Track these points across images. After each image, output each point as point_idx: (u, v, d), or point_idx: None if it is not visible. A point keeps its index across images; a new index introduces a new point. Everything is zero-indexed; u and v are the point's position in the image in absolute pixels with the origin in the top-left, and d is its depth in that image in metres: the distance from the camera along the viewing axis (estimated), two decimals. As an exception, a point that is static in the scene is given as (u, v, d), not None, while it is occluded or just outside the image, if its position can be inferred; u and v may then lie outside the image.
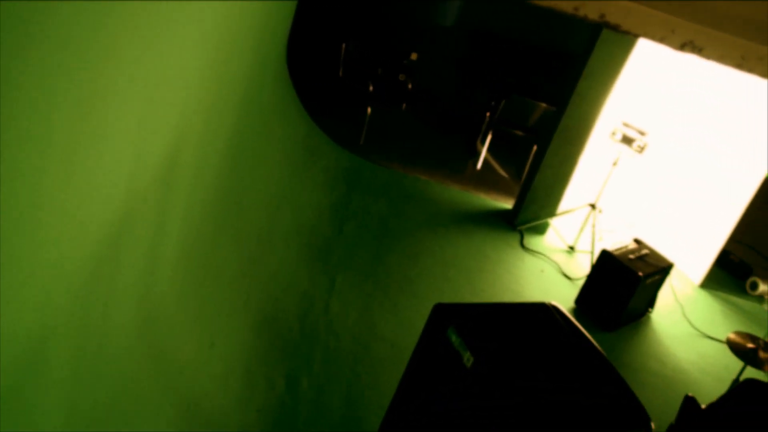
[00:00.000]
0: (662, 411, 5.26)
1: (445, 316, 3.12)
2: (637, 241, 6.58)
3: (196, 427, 3.81)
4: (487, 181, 8.08)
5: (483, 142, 8.26)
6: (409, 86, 8.29)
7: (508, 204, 7.59)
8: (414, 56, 8.31)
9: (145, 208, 2.94)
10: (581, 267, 6.97)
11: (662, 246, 7.02)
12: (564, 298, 6.46)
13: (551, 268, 6.85)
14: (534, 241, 7.17)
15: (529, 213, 7.23)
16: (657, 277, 6.28)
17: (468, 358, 2.93)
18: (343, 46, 7.79)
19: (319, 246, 5.95)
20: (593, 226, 7.11)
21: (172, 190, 3.35)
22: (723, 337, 5.56)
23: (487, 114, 8.26)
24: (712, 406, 4.25)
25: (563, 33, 8.85)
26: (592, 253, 7.02)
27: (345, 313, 5.31)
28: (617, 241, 6.62)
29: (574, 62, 6.75)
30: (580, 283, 6.53)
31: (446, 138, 8.75)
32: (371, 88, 7.83)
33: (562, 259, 7.04)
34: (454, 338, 3.00)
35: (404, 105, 8.62)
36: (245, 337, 4.67)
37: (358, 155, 7.48)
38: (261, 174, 5.65)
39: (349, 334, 5.14)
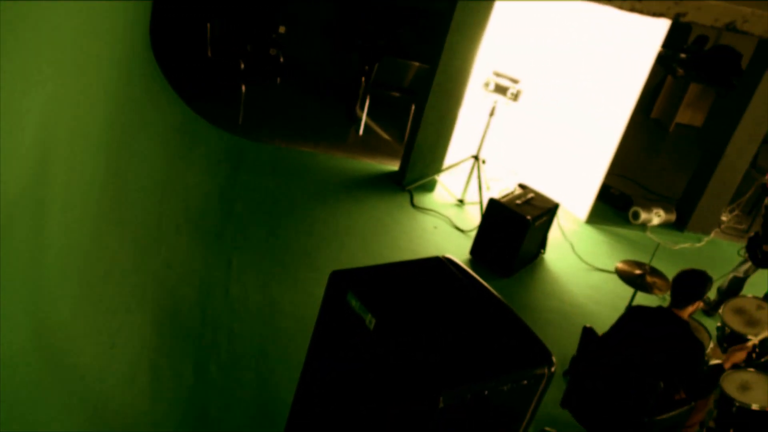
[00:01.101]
0: (564, 345, 5.47)
1: (343, 282, 3.13)
2: (522, 186, 6.76)
3: (108, 428, 3.72)
4: (371, 145, 8.11)
5: (362, 108, 8.28)
6: (281, 59, 8.20)
7: (394, 166, 7.65)
8: (282, 29, 8.21)
9: (18, 212, 2.81)
10: (472, 218, 7.12)
11: (547, 188, 7.24)
12: (459, 250, 6.59)
13: (443, 223, 6.97)
14: (424, 199, 7.27)
15: (416, 172, 7.31)
16: (544, 218, 6.49)
17: (370, 320, 2.96)
18: (209, 25, 7.61)
19: (211, 230, 5.85)
20: (479, 177, 7.26)
21: (47, 188, 3.21)
22: (612, 268, 5.81)
23: (363, 79, 8.27)
24: (606, 333, 4.45)
25: (428, -9, 8.93)
26: (480, 203, 7.18)
27: (245, 295, 5.26)
28: (503, 188, 6.79)
29: (441, 19, 6.82)
30: (473, 234, 6.67)
31: (325, 108, 8.72)
32: (242, 65, 7.71)
33: (453, 213, 7.17)
34: (354, 303, 3.02)
35: (278, 79, 8.53)
36: (147, 332, 4.57)
37: (239, 135, 7.37)
38: (141, 165, 5.50)
39: (252, 314, 5.10)
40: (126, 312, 4.50)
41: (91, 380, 3.79)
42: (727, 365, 4.39)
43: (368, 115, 8.34)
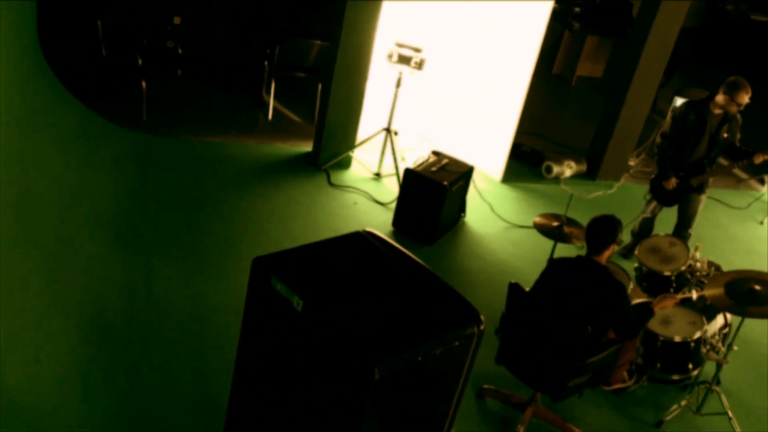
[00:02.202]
0: (493, 303, 5.58)
1: (266, 267, 3.12)
2: (435, 153, 6.83)
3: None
4: (281, 129, 8.04)
5: (268, 92, 8.19)
6: (180, 51, 8.03)
7: (307, 146, 7.61)
8: (177, 20, 8.03)
9: None
10: (391, 191, 7.16)
11: (461, 152, 7.32)
12: (381, 223, 6.62)
13: (363, 198, 6.98)
14: (341, 177, 7.27)
15: (330, 150, 7.29)
16: (461, 182, 6.57)
17: (297, 302, 2.96)
18: (99, 23, 7.39)
19: (127, 232, 5.73)
20: (393, 148, 7.29)
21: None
22: (531, 223, 5.93)
23: (266, 63, 8.18)
24: (532, 287, 4.56)
25: (321, -33, 8.87)
26: (397, 175, 7.22)
27: (170, 293, 5.18)
28: (418, 157, 6.84)
29: (337, -6, 6.79)
30: (393, 206, 6.71)
31: (231, 96, 8.59)
32: (140, 61, 7.52)
33: (371, 187, 7.19)
34: (279, 287, 3.02)
35: (179, 71, 8.35)
36: (73, 343, 4.46)
37: (145, 132, 7.21)
38: (42, 173, 5.33)
39: (179, 311, 5.03)
40: (48, 325, 4.38)
41: (16, 401, 3.69)
42: (657, 310, 4.55)
43: (275, 98, 8.26)
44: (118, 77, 7.85)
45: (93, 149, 6.62)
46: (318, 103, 7.49)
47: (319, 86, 7.66)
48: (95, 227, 5.61)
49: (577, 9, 12.20)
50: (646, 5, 7.90)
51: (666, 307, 4.59)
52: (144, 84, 7.47)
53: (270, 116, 8.19)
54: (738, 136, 6.30)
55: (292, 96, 8.75)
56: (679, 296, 4.71)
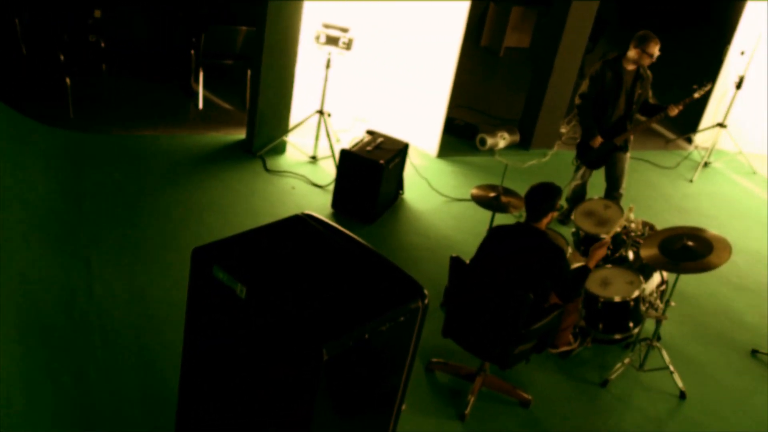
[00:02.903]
0: (436, 278, 5.64)
1: (207, 257, 3.10)
2: (370, 132, 6.84)
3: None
4: (213, 118, 7.95)
5: (197, 81, 8.08)
6: (102, 45, 7.86)
7: (240, 134, 7.54)
8: (98, 13, 7.84)
9: None
10: (328, 173, 7.15)
11: (395, 130, 7.35)
12: (320, 206, 6.62)
13: (300, 182, 6.96)
14: (277, 162, 7.23)
15: (264, 136, 7.24)
16: (397, 160, 6.60)
17: (240, 290, 2.95)
18: (17, 21, 7.17)
19: (63, 233, 5.61)
20: (327, 131, 7.27)
21: None
22: (469, 196, 5.99)
23: (192, 52, 8.06)
24: (473, 258, 4.62)
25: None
26: (333, 156, 7.22)
27: (111, 291, 5.10)
28: (353, 138, 6.84)
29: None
30: (331, 188, 6.71)
31: (160, 87, 8.45)
32: (62, 57, 7.33)
33: (308, 171, 7.18)
34: (221, 275, 3.00)
35: (104, 66, 8.16)
36: (14, 350, 4.36)
37: (73, 130, 7.05)
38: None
39: (122, 309, 4.96)
40: (-14, 333, 4.28)
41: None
42: (592, 264, 4.66)
43: (205, 87, 8.15)
44: (41, 76, 7.65)
45: (22, 151, 6.45)
46: (248, 90, 7.42)
47: (249, 72, 7.59)
48: (30, 230, 5.48)
49: (501, -19, 12.30)
50: (567, -26, 8.02)
51: (599, 257, 4.69)
52: (68, 81, 7.29)
53: (201, 105, 8.08)
54: (650, 92, 6.48)
55: (221, 84, 8.65)
56: (608, 238, 4.83)
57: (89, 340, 4.64)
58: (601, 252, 4.69)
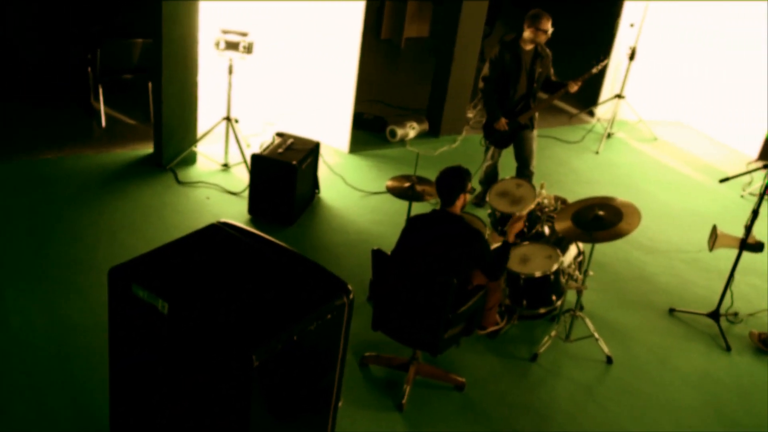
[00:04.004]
0: (360, 273, 5.66)
1: (125, 276, 3.04)
2: (279, 134, 6.80)
3: None
4: (118, 134, 7.76)
5: (97, 99, 7.87)
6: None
7: (148, 148, 7.39)
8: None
9: None
10: (241, 179, 7.08)
11: (305, 131, 7.33)
12: (237, 213, 6.55)
13: (214, 191, 6.87)
14: (188, 173, 7.11)
15: (172, 148, 7.12)
16: (309, 159, 6.58)
17: (162, 305, 2.90)
18: None
19: (-31, 268, 5.40)
20: (236, 137, 7.20)
21: None
22: (384, 188, 6.03)
23: (89, 69, 7.85)
24: (394, 249, 4.66)
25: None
26: (245, 162, 7.15)
27: (30, 323, 4.94)
28: (263, 141, 6.79)
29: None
30: (246, 194, 6.65)
31: (59, 108, 8.19)
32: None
33: (221, 179, 7.09)
34: (141, 293, 2.95)
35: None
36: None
37: (-30, 160, 6.78)
38: None
39: (43, 340, 4.81)
40: None
41: None
42: (511, 238, 4.76)
43: (106, 104, 7.94)
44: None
45: None
46: (151, 103, 7.27)
47: (150, 85, 7.44)
48: (-67, 269, 5.25)
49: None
50: (459, -39, 8.14)
51: (516, 230, 4.79)
52: (-41, 110, 7.01)
53: (103, 123, 7.88)
54: (551, 70, 6.66)
55: (122, 99, 8.45)
56: (524, 212, 4.95)
57: (11, 376, 4.48)
58: (518, 225, 4.80)
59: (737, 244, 5.62)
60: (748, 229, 5.53)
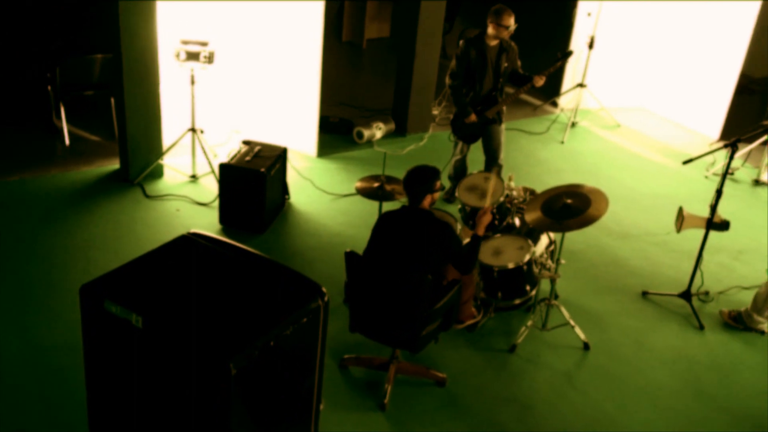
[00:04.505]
0: (335, 275, 5.67)
1: (96, 292, 3.02)
2: (246, 142, 6.78)
3: None
4: (83, 152, 7.69)
5: (59, 117, 7.79)
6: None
7: (114, 164, 7.34)
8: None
9: None
10: (210, 190, 7.05)
11: (272, 137, 7.31)
12: (208, 224, 6.53)
13: (184, 203, 6.84)
14: (157, 187, 7.07)
15: (139, 163, 7.07)
16: (277, 166, 6.58)
17: (136, 320, 2.89)
18: None
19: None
20: (203, 147, 7.17)
21: None
22: (354, 190, 6.03)
23: (49, 87, 7.77)
24: (366, 249, 4.67)
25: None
26: (213, 172, 7.12)
27: (4, 347, 4.88)
28: (230, 151, 6.77)
29: (110, 2, 6.53)
30: (216, 203, 6.63)
31: (20, 128, 8.10)
32: None
33: (190, 190, 7.06)
34: (114, 309, 2.93)
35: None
36: None
37: (-66, 187, 6.68)
38: None
39: (19, 363, 4.76)
40: None
41: None
42: (480, 231, 4.78)
43: (68, 122, 7.87)
44: None
45: None
46: (115, 118, 7.22)
47: (112, 100, 7.38)
48: None
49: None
50: (414, -41, 8.18)
51: (485, 223, 4.82)
52: None
53: (67, 141, 7.80)
54: (518, 63, 6.72)
55: (85, 116, 8.38)
56: (488, 205, 4.98)
57: (-13, 400, 4.44)
58: (486, 218, 4.83)
59: (704, 224, 5.71)
60: (713, 208, 5.61)
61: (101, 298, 2.97)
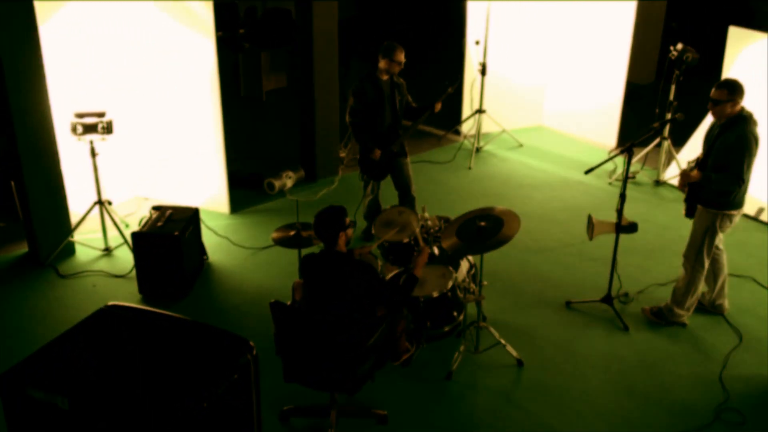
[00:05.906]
0: (265, 328, 5.60)
1: (17, 380, 2.93)
2: (156, 208, 6.69)
3: None
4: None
5: (-41, 207, 7.55)
6: None
7: (23, 248, 7.12)
8: None
9: None
10: (126, 260, 6.91)
11: (182, 199, 7.24)
12: (129, 294, 6.38)
13: (100, 277, 6.69)
14: (70, 265, 6.89)
15: (48, 243, 6.88)
16: (191, 227, 6.51)
17: (62, 401, 2.81)
18: None
19: None
20: (112, 219, 7.03)
21: None
22: (271, 241, 6.02)
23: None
24: (292, 299, 4.66)
25: None
26: (126, 242, 6.99)
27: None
28: (141, 218, 6.66)
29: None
30: (134, 274, 6.50)
31: None
32: None
33: (104, 264, 6.90)
34: (37, 394, 2.85)
35: None
36: None
37: None
38: None
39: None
40: None
41: None
42: (418, 271, 4.83)
43: (-32, 211, 7.62)
44: None
45: None
46: (17, 201, 7.03)
47: (12, 183, 7.18)
48: None
49: (241, 30, 12.52)
50: (300, 9, 8.29)
51: (422, 262, 4.89)
52: None
53: (-31, 231, 7.54)
54: (409, 97, 6.91)
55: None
56: (425, 248, 5.05)
57: None
58: (423, 257, 4.91)
59: (613, 229, 5.92)
60: (620, 212, 5.82)
61: (23, 385, 2.88)
